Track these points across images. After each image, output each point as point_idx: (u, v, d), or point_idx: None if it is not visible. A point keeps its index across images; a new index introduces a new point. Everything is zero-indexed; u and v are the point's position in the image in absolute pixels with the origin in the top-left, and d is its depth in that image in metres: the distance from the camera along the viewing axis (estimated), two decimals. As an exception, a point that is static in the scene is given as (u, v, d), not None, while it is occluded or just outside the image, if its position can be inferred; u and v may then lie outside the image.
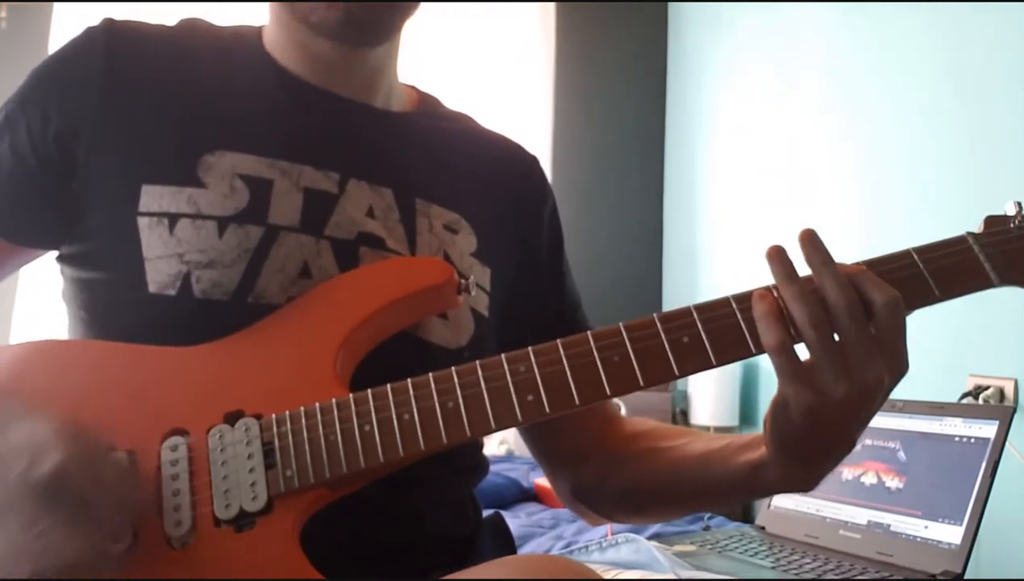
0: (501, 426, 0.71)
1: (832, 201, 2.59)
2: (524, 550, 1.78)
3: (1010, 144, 1.97)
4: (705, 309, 0.73)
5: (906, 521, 1.57)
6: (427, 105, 1.00)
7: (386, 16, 0.86)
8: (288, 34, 0.89)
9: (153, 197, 0.81)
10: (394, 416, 0.71)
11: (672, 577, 1.46)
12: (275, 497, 0.70)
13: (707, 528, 1.96)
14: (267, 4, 0.92)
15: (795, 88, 2.80)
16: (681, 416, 3.06)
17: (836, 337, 0.69)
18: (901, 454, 1.65)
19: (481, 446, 0.98)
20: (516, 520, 2.06)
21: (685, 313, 0.73)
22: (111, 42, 0.86)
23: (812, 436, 0.72)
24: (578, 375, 0.71)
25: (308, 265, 0.82)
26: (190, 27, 0.93)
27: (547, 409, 0.70)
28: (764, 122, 2.97)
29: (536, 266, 0.99)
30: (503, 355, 0.72)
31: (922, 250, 0.75)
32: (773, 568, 1.56)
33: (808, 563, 1.57)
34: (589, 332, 0.72)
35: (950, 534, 1.49)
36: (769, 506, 1.82)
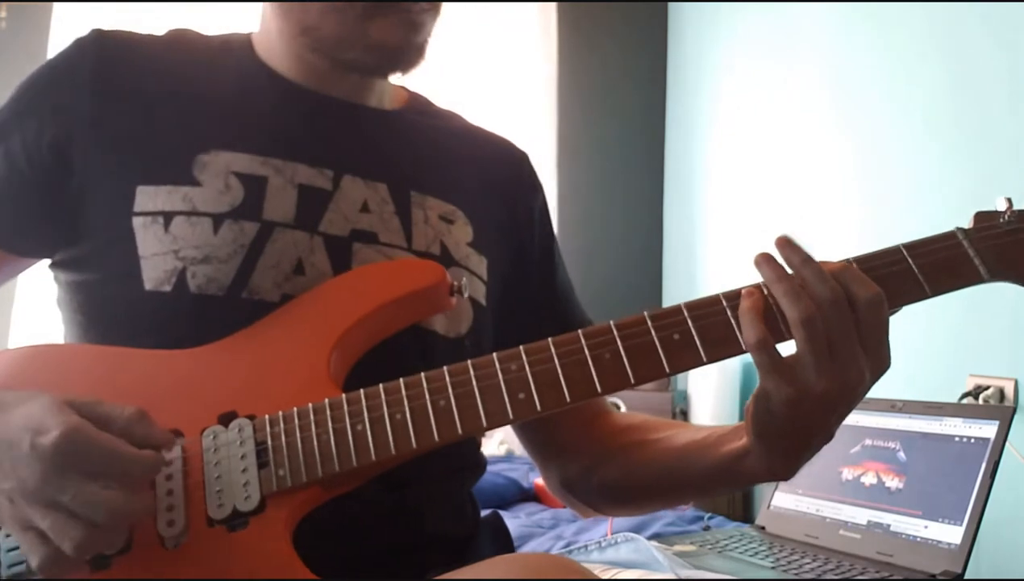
0: (493, 424, 0.71)
1: (832, 200, 2.59)
2: (524, 550, 1.78)
3: (1009, 143, 1.97)
4: (696, 307, 0.73)
5: (906, 521, 1.56)
6: (417, 103, 1.01)
7: (415, 45, 0.87)
8: (287, 47, 0.90)
9: (148, 197, 0.82)
10: (386, 415, 0.71)
11: (672, 576, 1.45)
12: (268, 497, 0.70)
13: (707, 528, 1.96)
14: (259, 10, 0.93)
15: (795, 88, 2.80)
16: (681, 416, 3.06)
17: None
18: (901, 454, 1.65)
19: (479, 445, 0.98)
20: (516, 520, 2.06)
21: (675, 311, 0.73)
22: (101, 51, 0.88)
23: (792, 429, 0.73)
24: (569, 373, 0.71)
25: (302, 261, 0.83)
26: (179, 36, 0.94)
27: (538, 407, 0.71)
28: (764, 122, 2.97)
29: (528, 260, 1.00)
30: (495, 354, 0.72)
31: (911, 246, 0.75)
32: (773, 568, 1.55)
33: (808, 563, 1.57)
34: (580, 331, 0.73)
35: (950, 534, 1.49)
36: (769, 506, 1.82)
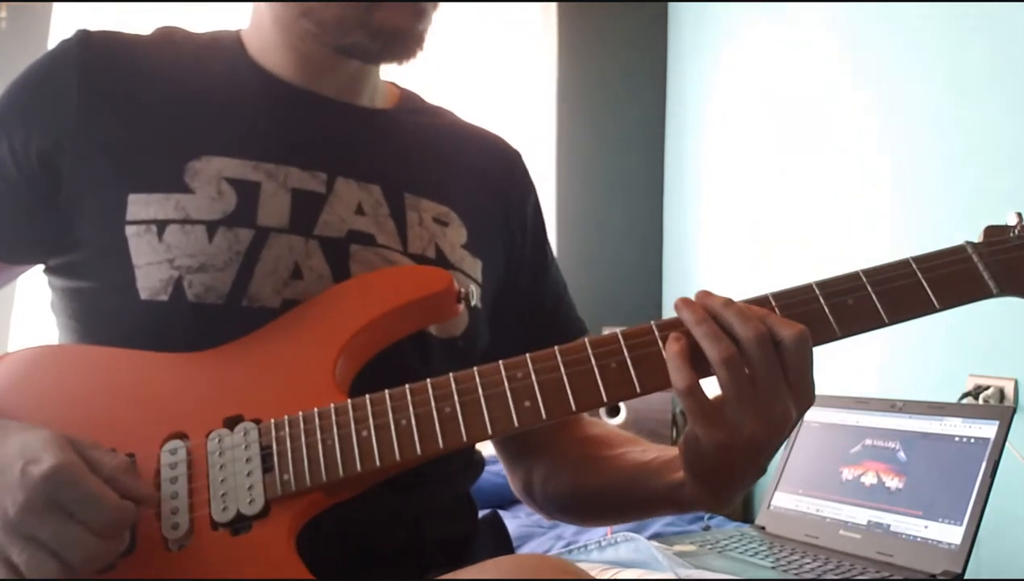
0: (498, 432, 0.71)
1: (831, 199, 2.59)
2: (523, 550, 1.78)
3: (1012, 147, 1.97)
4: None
5: (906, 521, 1.57)
6: (409, 101, 1.00)
7: (417, 33, 0.87)
8: (279, 36, 0.89)
9: (140, 205, 0.81)
10: (391, 422, 0.71)
11: (671, 576, 1.46)
12: (272, 501, 0.70)
13: (707, 528, 1.96)
14: (251, 5, 0.92)
15: (795, 88, 2.80)
16: (681, 417, 3.06)
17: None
18: (901, 454, 1.65)
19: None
20: (516, 520, 2.06)
21: (681, 322, 0.73)
22: (85, 54, 0.86)
23: (723, 467, 0.74)
24: (575, 382, 0.71)
25: (299, 266, 0.82)
26: (167, 35, 0.92)
27: (544, 415, 0.71)
28: (764, 121, 2.97)
29: (520, 259, 1.00)
30: (501, 362, 0.72)
31: (921, 259, 0.75)
32: (773, 568, 1.56)
33: (808, 563, 1.57)
34: (586, 339, 0.73)
35: (950, 534, 1.49)
36: (769, 506, 1.82)
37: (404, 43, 0.86)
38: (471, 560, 0.87)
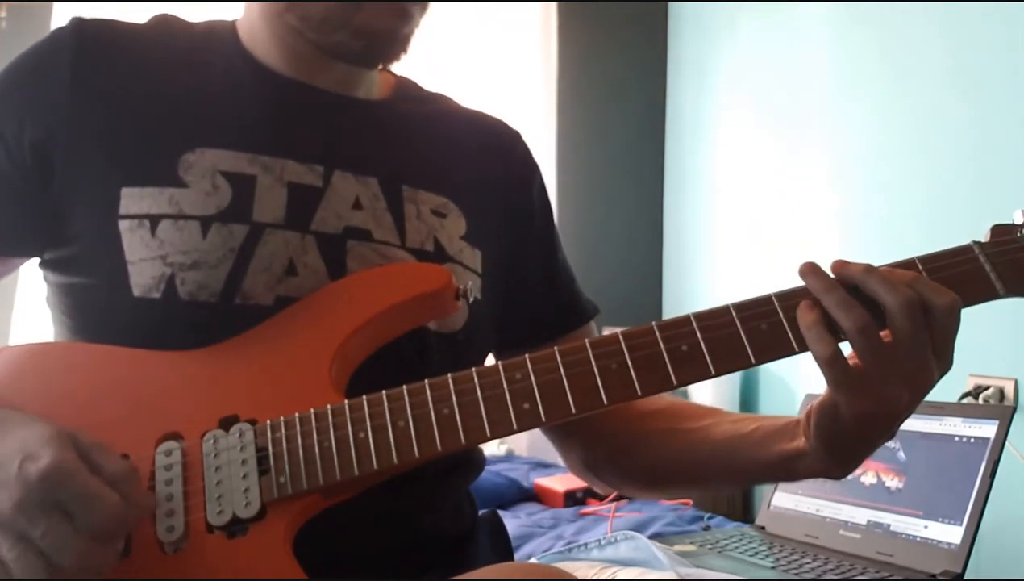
0: (496, 434, 0.70)
1: (831, 199, 2.58)
2: (524, 549, 1.78)
3: (1014, 145, 1.97)
4: (705, 317, 0.72)
5: (906, 521, 1.56)
6: (404, 89, 0.99)
7: (401, 36, 0.86)
8: (270, 30, 0.88)
9: (133, 199, 0.80)
10: (389, 423, 0.71)
11: (671, 575, 1.45)
12: (268, 504, 0.69)
13: (707, 528, 1.95)
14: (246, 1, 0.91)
15: (795, 88, 2.80)
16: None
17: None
18: (901, 454, 1.65)
19: None
20: (516, 520, 2.06)
21: (684, 321, 0.72)
22: (79, 43, 0.85)
23: (858, 436, 0.73)
24: (575, 383, 0.70)
25: (293, 262, 0.81)
26: (162, 23, 0.91)
27: (543, 418, 0.70)
28: (764, 121, 2.97)
29: (528, 241, 0.99)
30: (499, 362, 0.72)
31: (927, 259, 0.74)
32: (773, 568, 1.55)
33: (808, 563, 1.57)
34: (587, 340, 0.72)
35: (950, 534, 1.48)
36: (769, 506, 1.82)
37: (387, 45, 0.85)
38: (469, 559, 0.86)
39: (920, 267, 0.73)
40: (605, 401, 0.70)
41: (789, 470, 0.80)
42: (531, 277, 0.98)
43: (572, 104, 3.40)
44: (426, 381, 0.72)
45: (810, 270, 0.71)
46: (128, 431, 0.73)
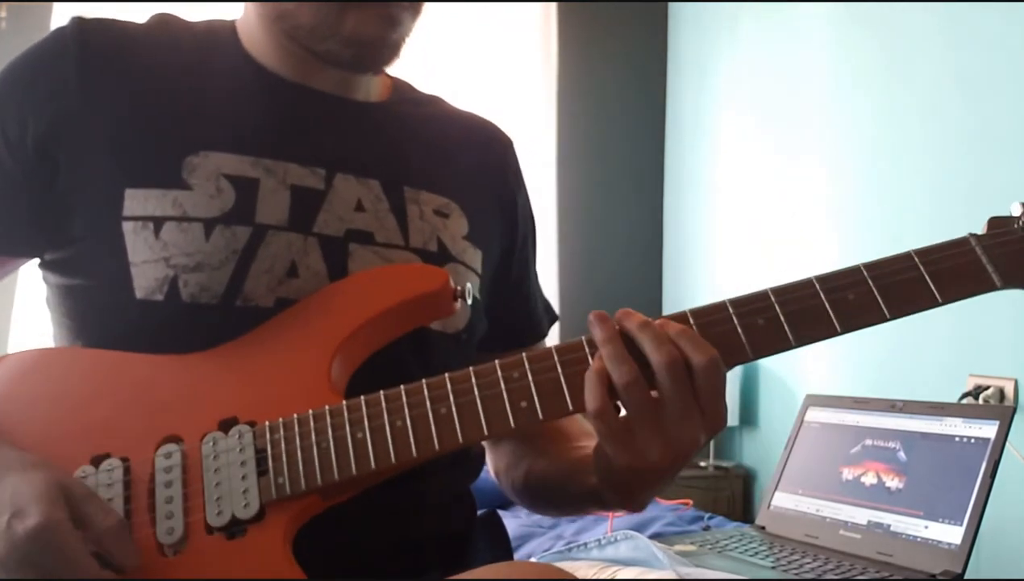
0: (494, 433, 0.70)
1: (830, 199, 2.58)
2: (524, 549, 1.78)
3: (1013, 146, 1.97)
4: (701, 314, 0.72)
5: (906, 521, 1.56)
6: (401, 91, 0.99)
7: (391, 42, 0.85)
8: (265, 32, 0.88)
9: (137, 201, 0.80)
10: (387, 423, 0.71)
11: (671, 574, 1.45)
12: (267, 505, 0.69)
13: (707, 528, 1.96)
14: (245, 2, 0.91)
15: (795, 88, 2.80)
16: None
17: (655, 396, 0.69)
18: (901, 454, 1.65)
19: None
20: (516, 520, 2.06)
21: (681, 318, 0.72)
22: (82, 43, 0.84)
23: (632, 482, 0.74)
24: (572, 381, 0.70)
25: (295, 264, 0.81)
26: (162, 24, 0.91)
27: (540, 415, 0.70)
28: (764, 121, 2.97)
29: (511, 253, 1.00)
30: (497, 362, 0.72)
31: (923, 252, 0.73)
32: (773, 568, 1.55)
33: (808, 563, 1.57)
34: (584, 338, 0.72)
35: (950, 534, 1.49)
36: (769, 506, 1.82)
37: (376, 52, 0.85)
38: (468, 557, 0.86)
39: (917, 261, 0.73)
40: None
41: (601, 502, 0.81)
42: (505, 286, 0.99)
43: (572, 104, 3.40)
44: (424, 381, 0.72)
45: (596, 320, 0.71)
46: (128, 435, 0.73)
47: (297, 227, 0.82)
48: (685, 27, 3.48)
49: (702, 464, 3.01)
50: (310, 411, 0.72)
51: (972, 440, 1.54)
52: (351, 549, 0.79)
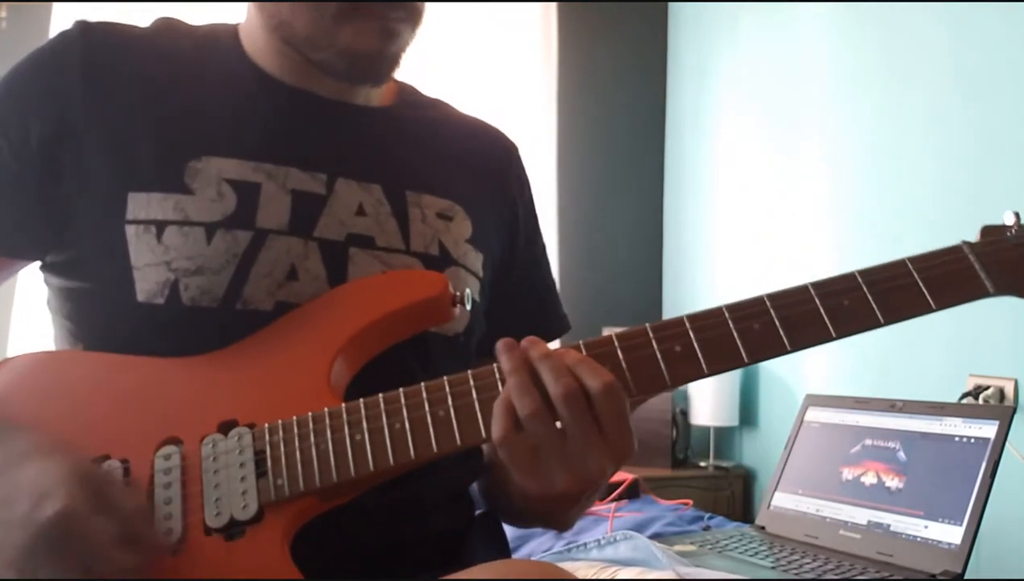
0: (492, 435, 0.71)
1: (830, 198, 2.59)
2: (523, 549, 1.78)
3: (1014, 146, 1.97)
4: (698, 318, 0.73)
5: (906, 521, 1.57)
6: (405, 95, 0.99)
7: (388, 55, 0.86)
8: (265, 38, 0.89)
9: (140, 205, 0.81)
10: (385, 426, 0.71)
11: (671, 574, 1.45)
12: (265, 506, 0.70)
13: (707, 528, 1.96)
14: (245, 5, 0.92)
15: (795, 88, 2.80)
16: (681, 416, 3.06)
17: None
18: (901, 454, 1.65)
19: None
20: (516, 520, 2.06)
21: (678, 322, 0.73)
22: (87, 46, 0.85)
23: (547, 507, 0.76)
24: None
25: (295, 267, 0.82)
26: (166, 27, 0.91)
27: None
28: (764, 121, 2.97)
29: (514, 255, 1.00)
30: (495, 365, 0.72)
31: (917, 259, 0.75)
32: (773, 568, 1.55)
33: (808, 563, 1.57)
34: (582, 342, 0.73)
35: (950, 534, 1.49)
36: (769, 506, 1.82)
37: (373, 65, 0.85)
38: (464, 556, 0.87)
39: (911, 268, 0.74)
40: None
41: (534, 520, 0.85)
42: (508, 290, 0.99)
43: (572, 104, 3.41)
44: (422, 384, 0.73)
45: (503, 348, 0.71)
46: (128, 437, 0.74)
47: (298, 231, 0.83)
48: (685, 27, 3.48)
49: (702, 464, 3.01)
50: (309, 413, 0.72)
51: (972, 440, 1.54)
52: (349, 549, 0.79)
